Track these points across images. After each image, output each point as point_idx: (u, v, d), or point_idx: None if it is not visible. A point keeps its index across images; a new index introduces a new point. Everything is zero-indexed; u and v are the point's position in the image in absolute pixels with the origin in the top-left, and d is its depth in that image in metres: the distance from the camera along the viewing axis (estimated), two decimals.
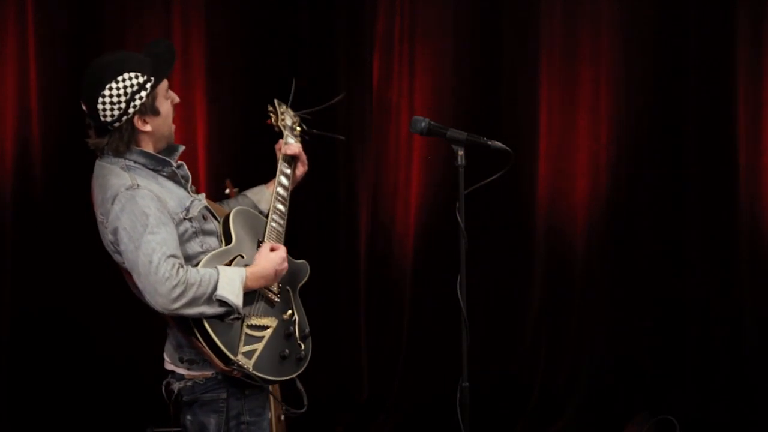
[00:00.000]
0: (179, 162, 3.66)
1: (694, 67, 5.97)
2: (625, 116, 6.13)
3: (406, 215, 6.39)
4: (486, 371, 6.01)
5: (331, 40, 6.37)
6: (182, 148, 3.69)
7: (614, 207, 6.13)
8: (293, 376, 3.76)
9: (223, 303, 3.44)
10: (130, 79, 3.50)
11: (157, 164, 3.58)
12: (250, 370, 3.51)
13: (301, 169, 4.13)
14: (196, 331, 3.46)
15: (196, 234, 3.57)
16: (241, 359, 3.49)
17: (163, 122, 3.58)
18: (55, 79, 6.08)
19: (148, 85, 3.51)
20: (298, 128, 4.18)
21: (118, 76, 3.49)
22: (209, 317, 3.44)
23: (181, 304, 3.38)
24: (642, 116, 6.11)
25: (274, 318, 3.66)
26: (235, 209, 3.76)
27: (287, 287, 3.78)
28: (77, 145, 6.10)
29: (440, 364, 5.94)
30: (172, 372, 3.65)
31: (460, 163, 3.74)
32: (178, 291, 3.36)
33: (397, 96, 6.38)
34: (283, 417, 5.12)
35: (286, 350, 3.68)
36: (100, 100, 3.48)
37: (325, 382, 6.34)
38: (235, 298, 3.46)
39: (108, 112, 3.50)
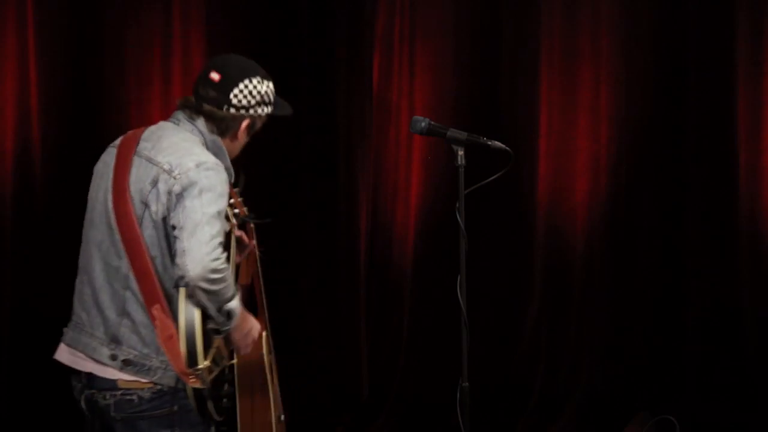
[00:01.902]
0: None
1: (694, 67, 5.97)
2: (625, 116, 6.13)
3: (406, 215, 6.39)
4: (486, 371, 6.01)
5: (331, 40, 6.38)
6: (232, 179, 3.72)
7: (614, 207, 6.13)
8: (217, 418, 3.57)
9: (228, 315, 3.43)
10: (271, 90, 3.68)
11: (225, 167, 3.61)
12: (208, 384, 3.42)
13: (238, 259, 4.11)
14: (183, 316, 3.38)
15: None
16: (206, 370, 3.40)
17: (241, 146, 3.70)
18: (55, 79, 6.08)
19: (270, 108, 3.68)
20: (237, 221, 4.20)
21: (267, 81, 3.66)
22: (197, 310, 3.39)
23: (208, 287, 3.33)
24: (642, 116, 6.11)
25: (228, 357, 3.60)
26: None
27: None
28: (77, 145, 6.16)
29: (440, 364, 5.95)
30: (90, 375, 3.52)
31: (460, 163, 3.74)
32: (217, 275, 3.34)
33: (397, 96, 6.38)
34: (282, 417, 5.13)
35: (222, 391, 3.58)
36: (245, 82, 3.61)
37: (325, 382, 6.35)
38: (236, 319, 3.47)
39: (240, 96, 3.59)
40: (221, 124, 3.60)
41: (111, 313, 3.49)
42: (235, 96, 3.60)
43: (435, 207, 6.29)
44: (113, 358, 3.47)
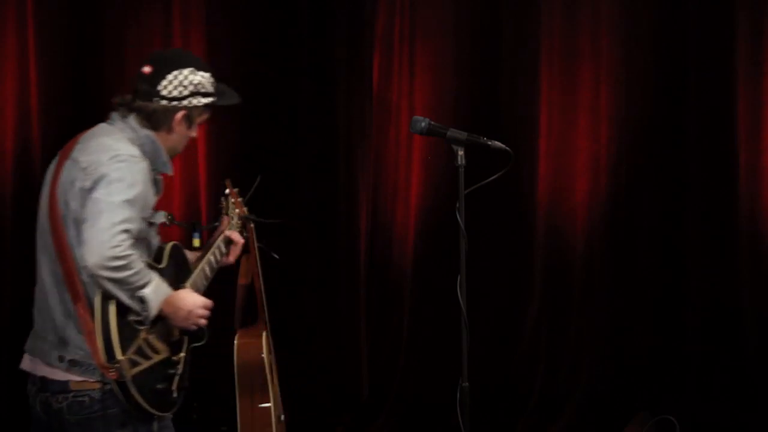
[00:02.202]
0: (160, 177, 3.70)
1: (694, 67, 5.97)
2: (625, 116, 6.13)
3: (406, 215, 6.39)
4: (486, 371, 6.01)
5: (331, 40, 6.38)
6: (172, 171, 3.71)
7: (614, 207, 6.13)
8: (160, 413, 3.56)
9: (141, 304, 3.43)
10: (208, 81, 3.65)
11: (158, 164, 3.62)
12: (128, 378, 3.42)
13: (231, 258, 4.10)
14: (98, 312, 3.41)
15: (143, 240, 3.56)
16: (125, 362, 3.40)
17: (183, 138, 3.68)
18: (55, 79, 6.09)
19: (210, 99, 3.66)
20: (238, 221, 4.23)
21: (202, 71, 3.64)
22: (119, 304, 3.41)
23: (110, 275, 3.35)
24: (642, 116, 6.11)
25: (167, 349, 3.59)
26: (175, 243, 3.75)
27: (186, 336, 3.70)
28: None
29: (440, 364, 5.95)
30: (43, 379, 3.54)
31: (460, 163, 3.74)
32: (118, 263, 3.35)
33: (397, 96, 6.38)
34: (282, 417, 5.13)
35: (163, 386, 3.55)
36: (175, 73, 3.59)
37: (325, 382, 6.35)
38: (155, 306, 3.45)
39: (170, 87, 3.59)
40: (152, 118, 3.60)
41: (58, 316, 3.53)
42: (165, 87, 3.59)
43: (435, 207, 6.29)
44: (61, 359, 3.50)
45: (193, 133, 3.72)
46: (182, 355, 3.64)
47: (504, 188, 5.63)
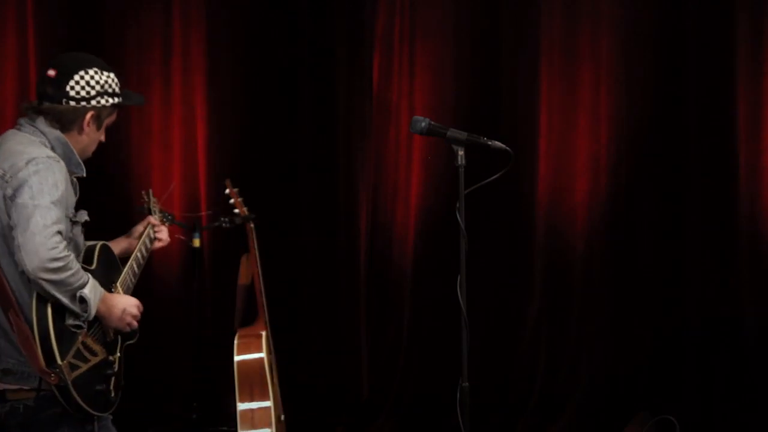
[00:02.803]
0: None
1: (694, 67, 5.97)
2: (625, 116, 6.12)
3: (406, 215, 6.39)
4: (486, 371, 6.01)
5: (331, 40, 6.38)
6: (84, 172, 3.70)
7: (614, 207, 6.13)
8: (100, 414, 3.59)
9: (81, 304, 3.44)
10: (113, 82, 3.66)
11: (72, 164, 3.61)
12: (69, 381, 3.43)
13: (158, 245, 4.07)
14: (35, 318, 3.42)
15: (70, 240, 3.55)
16: (65, 367, 3.42)
17: (93, 140, 3.69)
18: None
19: (116, 99, 3.66)
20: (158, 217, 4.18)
21: (107, 72, 3.66)
22: (56, 309, 3.42)
23: (50, 277, 3.37)
24: (642, 116, 6.10)
25: (104, 351, 3.61)
26: (103, 243, 3.76)
27: (119, 336, 3.71)
28: None
29: (440, 364, 5.94)
30: None
31: (460, 163, 3.74)
32: (57, 264, 3.37)
33: (397, 96, 6.38)
34: (282, 417, 5.13)
35: (103, 387, 3.58)
36: (81, 73, 3.61)
37: (325, 382, 6.35)
38: (93, 305, 3.47)
39: (77, 88, 3.60)
40: (62, 119, 3.60)
41: None
42: (72, 88, 3.60)
43: (435, 207, 6.29)
44: None
45: (102, 136, 3.72)
46: (118, 355, 3.66)
47: (504, 188, 5.62)
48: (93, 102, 3.62)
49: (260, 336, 5.09)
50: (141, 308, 3.69)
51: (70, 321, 3.46)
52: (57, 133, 3.60)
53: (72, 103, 3.60)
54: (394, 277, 6.40)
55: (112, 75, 3.67)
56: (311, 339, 6.36)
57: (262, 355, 5.03)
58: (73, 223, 3.58)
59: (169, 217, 4.28)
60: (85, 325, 3.48)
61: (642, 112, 6.10)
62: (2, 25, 6.03)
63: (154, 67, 6.25)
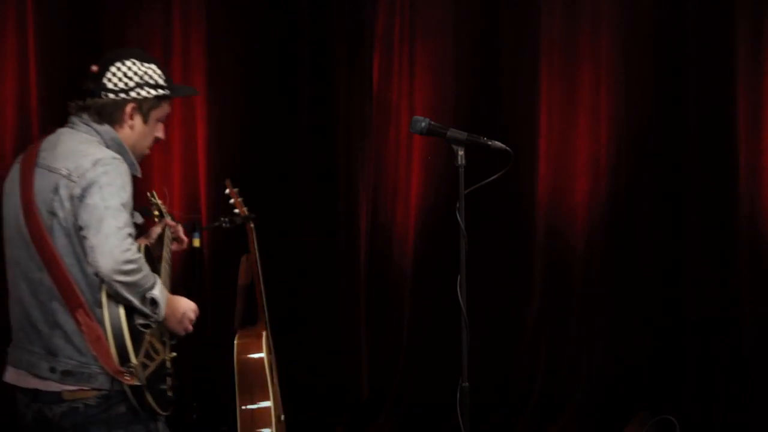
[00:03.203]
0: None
1: (694, 67, 5.97)
2: (625, 116, 6.12)
3: (406, 215, 6.39)
4: (486, 371, 6.01)
5: (331, 40, 6.38)
6: (139, 172, 3.67)
7: (614, 207, 6.13)
8: (163, 413, 3.56)
9: (152, 305, 3.44)
10: (154, 72, 3.61)
11: (129, 165, 3.56)
12: (143, 381, 3.43)
13: (175, 249, 4.03)
14: (107, 317, 3.40)
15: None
16: (139, 366, 3.42)
17: (142, 134, 3.63)
18: (54, 79, 6.08)
19: (161, 91, 3.61)
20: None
21: (147, 63, 3.60)
22: (127, 309, 3.41)
23: (124, 279, 3.35)
24: (642, 116, 6.11)
25: (164, 351, 3.60)
26: (146, 243, 3.75)
27: (171, 342, 3.71)
28: None
29: (440, 364, 5.95)
30: (35, 390, 3.49)
31: (460, 163, 3.74)
32: (131, 266, 3.36)
33: (397, 96, 6.38)
34: (282, 417, 5.13)
35: (163, 386, 3.56)
36: (117, 65, 3.57)
37: (325, 382, 6.35)
38: (163, 306, 3.48)
39: (114, 80, 3.57)
40: (102, 112, 3.57)
41: (43, 327, 3.49)
42: (109, 80, 3.58)
43: (435, 207, 6.29)
44: (52, 371, 3.47)
45: (158, 133, 3.67)
46: (173, 354, 3.64)
47: (504, 188, 5.63)
48: (132, 93, 3.58)
49: (260, 336, 5.09)
50: (198, 313, 3.66)
51: (139, 321, 3.44)
52: (112, 132, 3.57)
53: (111, 95, 3.57)
54: (394, 277, 6.41)
55: (153, 66, 3.61)
56: (311, 339, 6.36)
57: (262, 355, 5.03)
58: (135, 225, 3.55)
59: (169, 216, 4.27)
60: (154, 325, 3.47)
61: (642, 112, 6.10)
62: (2, 25, 6.03)
63: None
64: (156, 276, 3.48)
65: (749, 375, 5.86)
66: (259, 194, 5.77)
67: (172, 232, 3.97)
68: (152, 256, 3.70)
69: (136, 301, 3.41)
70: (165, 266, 3.81)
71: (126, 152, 3.57)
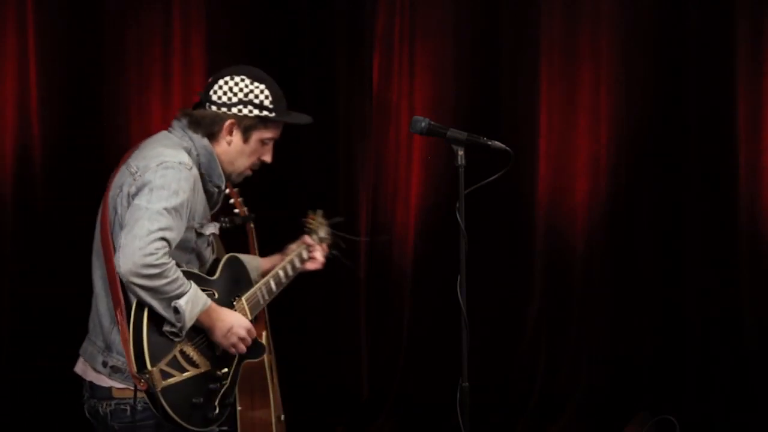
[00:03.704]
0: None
1: (694, 67, 5.97)
2: (625, 116, 6.13)
3: (406, 215, 6.38)
4: (486, 371, 6.01)
5: (331, 40, 6.38)
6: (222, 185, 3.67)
7: (614, 207, 6.13)
8: (193, 428, 3.47)
9: (175, 314, 3.37)
10: (262, 93, 3.59)
11: (213, 175, 3.58)
12: (158, 389, 3.35)
13: (310, 266, 4.10)
14: (131, 320, 3.36)
15: (192, 250, 3.55)
16: (155, 373, 3.34)
17: (241, 152, 3.62)
18: (55, 79, 6.08)
19: (264, 113, 3.60)
20: (328, 243, 4.23)
21: (259, 83, 3.59)
22: (153, 313, 3.36)
23: (143, 283, 3.29)
24: (642, 116, 6.11)
25: (207, 363, 3.53)
26: (233, 255, 3.75)
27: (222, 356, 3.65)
28: (77, 146, 6.16)
29: (440, 364, 5.94)
30: (90, 384, 3.51)
31: (460, 163, 3.74)
32: (151, 271, 3.29)
33: (397, 96, 6.38)
34: (282, 417, 5.13)
35: (201, 400, 3.47)
36: (226, 79, 3.57)
37: (325, 382, 6.35)
38: (189, 318, 3.38)
39: (220, 92, 3.57)
40: (202, 122, 3.56)
41: (106, 321, 3.50)
42: (215, 92, 3.57)
43: (435, 207, 6.29)
44: (105, 365, 3.48)
45: (264, 156, 3.69)
46: (225, 370, 3.57)
47: (504, 188, 5.63)
48: (234, 109, 3.56)
49: (260, 336, 5.08)
50: (253, 332, 3.59)
51: (167, 328, 3.38)
52: (205, 141, 3.55)
53: (213, 108, 3.57)
54: (394, 277, 6.40)
55: (262, 86, 3.59)
56: (311, 339, 6.36)
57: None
58: (198, 234, 3.53)
59: (334, 241, 4.25)
60: (181, 334, 3.40)
61: (642, 112, 6.11)
62: (2, 25, 6.02)
63: (154, 66, 6.25)
64: (191, 286, 3.39)
65: (749, 375, 5.86)
66: (260, 194, 5.76)
67: (308, 251, 3.99)
68: (239, 268, 3.68)
69: (158, 307, 3.34)
70: (269, 281, 3.80)
71: (215, 164, 3.57)
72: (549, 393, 6.19)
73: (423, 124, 3.84)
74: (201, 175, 3.56)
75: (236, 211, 5.28)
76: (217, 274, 3.62)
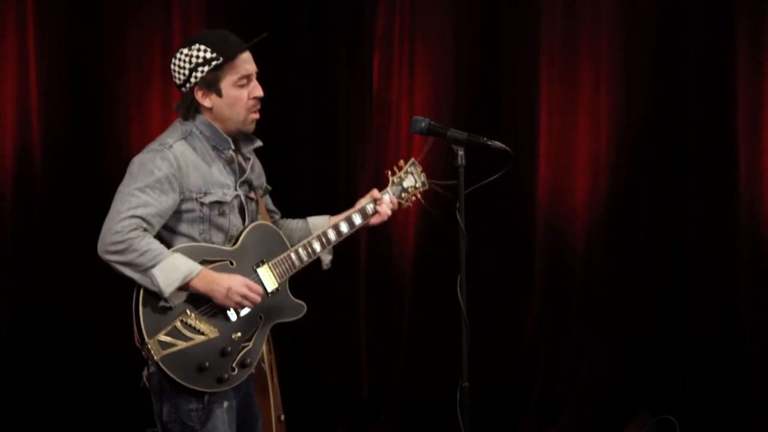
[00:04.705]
0: (247, 155, 3.84)
1: (694, 68, 5.97)
2: (625, 116, 6.13)
3: (406, 215, 6.38)
4: (486, 371, 6.01)
5: (331, 40, 6.38)
6: (259, 143, 3.88)
7: (614, 207, 6.13)
8: (204, 389, 3.68)
9: (152, 282, 3.55)
10: (199, 50, 3.70)
11: (220, 142, 3.74)
12: (157, 358, 3.56)
13: (375, 220, 4.09)
14: (133, 297, 3.58)
15: (202, 220, 3.68)
16: (152, 345, 3.56)
17: (225, 105, 3.74)
18: (55, 79, 6.08)
19: (213, 63, 3.70)
20: (414, 194, 4.19)
21: (192, 45, 3.72)
22: (147, 289, 3.55)
23: (114, 259, 3.54)
24: (642, 116, 6.11)
25: (216, 330, 3.69)
26: (259, 222, 3.86)
27: (260, 314, 3.80)
28: (77, 146, 6.16)
29: (440, 364, 5.94)
30: (139, 354, 3.72)
31: (460, 163, 3.75)
32: (119, 247, 3.52)
33: (397, 96, 6.38)
34: (282, 417, 5.13)
35: (207, 363, 3.65)
36: (174, 62, 3.73)
37: (325, 382, 6.35)
38: (165, 284, 3.55)
39: (176, 74, 3.74)
40: (183, 107, 3.76)
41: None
42: (175, 78, 3.75)
43: (435, 207, 6.27)
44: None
45: (254, 92, 3.79)
46: (239, 334, 3.71)
47: (504, 188, 5.62)
48: (192, 80, 3.72)
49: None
50: (254, 288, 3.70)
51: (160, 303, 3.57)
52: (200, 117, 3.74)
53: (182, 89, 3.75)
54: (394, 277, 6.41)
55: (197, 45, 3.70)
56: (311, 339, 6.36)
57: (262, 355, 5.03)
58: (201, 204, 3.68)
59: (421, 184, 4.19)
60: (170, 304, 3.57)
61: (642, 112, 6.10)
62: (2, 25, 6.03)
63: (154, 66, 6.25)
64: (170, 255, 3.56)
65: (749, 375, 5.86)
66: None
67: (375, 204, 4.02)
68: (264, 234, 3.79)
69: (137, 278, 3.55)
70: (309, 242, 3.91)
71: (216, 131, 3.73)
72: (549, 393, 6.19)
73: (423, 124, 3.84)
74: (213, 147, 3.72)
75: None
76: (238, 244, 3.74)
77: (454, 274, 3.72)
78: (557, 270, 6.21)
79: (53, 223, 6.01)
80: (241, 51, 3.75)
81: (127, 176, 3.63)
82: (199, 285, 3.60)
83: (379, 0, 6.37)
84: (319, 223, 4.08)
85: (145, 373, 3.68)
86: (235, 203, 3.77)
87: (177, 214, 3.66)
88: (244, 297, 3.67)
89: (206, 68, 3.69)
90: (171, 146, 3.66)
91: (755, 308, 5.87)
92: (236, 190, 3.77)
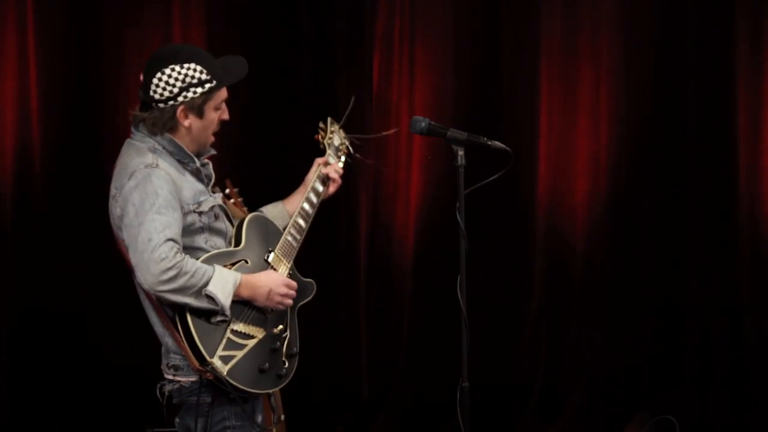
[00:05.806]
0: (205, 161, 3.73)
1: (694, 67, 5.97)
2: (625, 116, 6.13)
3: (406, 215, 6.38)
4: (486, 371, 6.00)
5: (331, 40, 6.37)
6: (212, 151, 3.75)
7: (614, 207, 6.13)
8: (269, 391, 3.73)
9: (210, 300, 3.46)
10: (195, 71, 3.60)
11: (184, 157, 3.63)
12: (224, 374, 3.49)
13: (332, 189, 4.12)
14: (178, 323, 3.48)
15: (202, 229, 3.61)
16: (216, 362, 3.48)
17: (202, 127, 3.65)
18: (55, 79, 6.08)
19: (207, 86, 3.62)
20: (344, 150, 4.16)
21: (187, 63, 3.59)
22: (194, 310, 3.46)
23: (169, 288, 3.40)
24: (642, 116, 6.11)
25: (262, 329, 3.66)
26: (252, 215, 3.84)
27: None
28: (77, 145, 6.16)
29: (440, 364, 5.94)
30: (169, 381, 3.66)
31: (460, 163, 3.74)
32: (170, 274, 3.38)
33: (397, 96, 6.38)
34: (282, 417, 5.12)
35: (267, 364, 3.64)
36: (159, 75, 3.56)
37: (325, 382, 6.35)
38: (224, 298, 3.48)
39: (159, 90, 3.57)
40: (158, 123, 3.60)
41: (158, 328, 3.61)
42: (155, 92, 3.59)
43: (435, 207, 6.28)
44: (168, 366, 3.61)
45: (224, 116, 3.72)
46: (281, 327, 3.72)
47: (504, 188, 5.62)
48: (180, 98, 3.58)
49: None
50: (291, 284, 3.72)
51: (215, 318, 3.50)
52: (167, 136, 3.61)
53: (161, 105, 3.59)
54: (394, 277, 6.40)
55: (193, 65, 3.59)
56: (311, 339, 6.34)
57: None
58: (199, 213, 3.60)
59: (352, 145, 4.19)
60: (228, 316, 3.50)
61: (642, 112, 6.10)
62: (2, 25, 6.03)
63: None
64: (213, 268, 3.48)
65: (749, 375, 5.86)
66: (260, 194, 5.76)
67: (323, 172, 4.04)
68: (262, 223, 3.78)
69: (193, 302, 3.45)
70: (295, 221, 3.91)
71: (183, 152, 3.62)
72: (549, 393, 6.19)
73: (423, 124, 3.84)
74: (178, 161, 3.63)
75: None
76: (243, 241, 3.69)
77: (454, 274, 3.72)
78: (557, 270, 6.21)
79: (53, 223, 6.01)
80: (240, 78, 3.75)
81: (131, 208, 3.46)
82: (244, 292, 3.55)
83: (379, 0, 6.37)
84: (274, 209, 4.06)
85: (169, 387, 3.61)
86: (218, 207, 3.73)
87: (182, 229, 3.58)
88: (285, 295, 3.68)
89: (199, 90, 3.60)
90: (157, 165, 3.53)
91: (755, 308, 5.87)
92: (211, 195, 3.71)
